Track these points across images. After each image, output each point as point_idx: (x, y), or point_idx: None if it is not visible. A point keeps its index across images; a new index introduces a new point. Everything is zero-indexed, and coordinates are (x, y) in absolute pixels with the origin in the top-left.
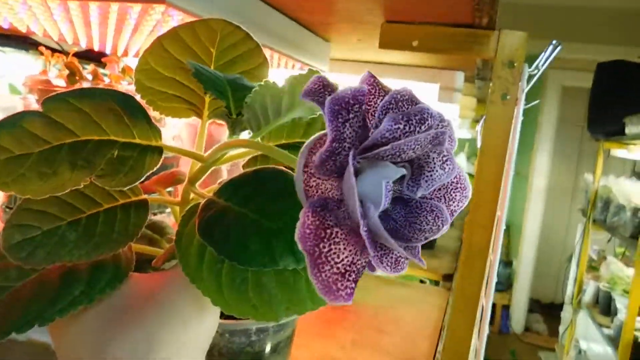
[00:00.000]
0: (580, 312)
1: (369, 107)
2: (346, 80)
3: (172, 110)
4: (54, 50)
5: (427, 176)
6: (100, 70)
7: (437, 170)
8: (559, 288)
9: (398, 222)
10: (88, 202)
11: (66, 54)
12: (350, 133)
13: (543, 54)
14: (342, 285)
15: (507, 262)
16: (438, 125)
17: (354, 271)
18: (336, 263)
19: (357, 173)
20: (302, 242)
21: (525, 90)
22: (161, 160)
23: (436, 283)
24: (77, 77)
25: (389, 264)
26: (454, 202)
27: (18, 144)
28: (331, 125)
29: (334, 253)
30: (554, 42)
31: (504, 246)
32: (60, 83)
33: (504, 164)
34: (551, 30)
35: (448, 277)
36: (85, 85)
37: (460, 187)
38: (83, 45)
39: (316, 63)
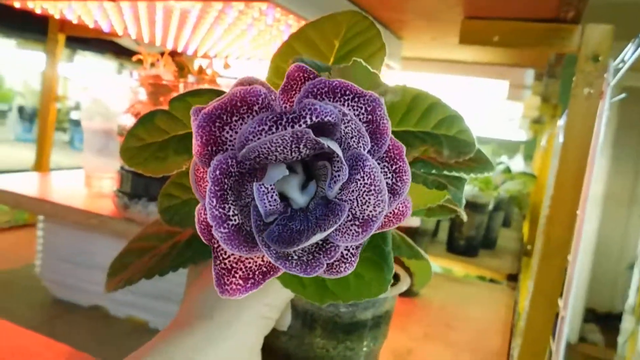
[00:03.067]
0: None
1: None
2: (419, 78)
3: None
4: (130, 52)
5: (334, 176)
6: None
7: (339, 171)
8: (616, 297)
9: (310, 222)
10: None
11: (161, 54)
12: (231, 135)
13: (630, 44)
14: (227, 280)
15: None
16: (329, 120)
17: (241, 269)
18: (224, 259)
19: (262, 173)
20: (202, 236)
21: (612, 84)
22: None
23: (491, 282)
24: (185, 72)
25: (298, 265)
26: (368, 207)
27: (148, 134)
28: (197, 134)
29: (222, 250)
30: None
31: None
32: (169, 77)
33: (587, 159)
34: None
35: (512, 277)
36: (191, 79)
37: (374, 191)
38: (170, 47)
39: (389, 60)
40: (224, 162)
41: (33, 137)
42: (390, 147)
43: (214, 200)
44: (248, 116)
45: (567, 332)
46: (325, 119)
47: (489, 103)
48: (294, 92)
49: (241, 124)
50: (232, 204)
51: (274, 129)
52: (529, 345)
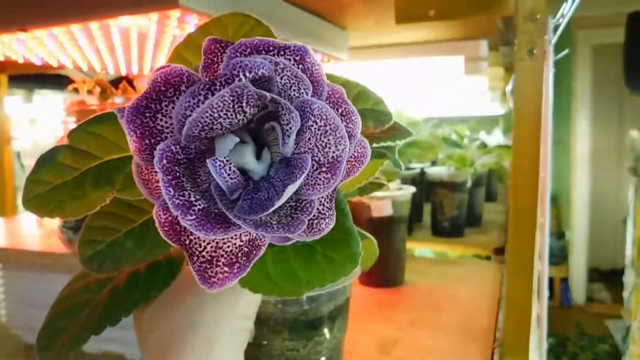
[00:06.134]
0: None
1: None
2: (366, 68)
3: None
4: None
5: (286, 130)
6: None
7: (289, 122)
8: (617, 253)
9: (276, 187)
10: (138, 212)
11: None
12: (166, 122)
13: (565, 2)
14: (212, 272)
15: (559, 234)
16: (263, 73)
17: (222, 255)
18: (201, 252)
19: (211, 153)
20: (169, 239)
21: (553, 42)
22: None
23: (487, 259)
24: (107, 93)
25: (280, 228)
26: (330, 148)
27: (55, 175)
28: (129, 130)
29: (196, 243)
30: None
31: (555, 217)
32: (94, 102)
33: (540, 120)
34: None
35: (499, 251)
36: (118, 100)
37: (331, 129)
38: (111, 71)
39: (335, 52)
40: (169, 150)
41: None
42: (330, 92)
43: (171, 189)
44: (177, 97)
45: (574, 295)
46: (259, 73)
47: (448, 81)
48: (215, 65)
49: (173, 108)
50: (191, 191)
51: (209, 96)
52: (513, 314)
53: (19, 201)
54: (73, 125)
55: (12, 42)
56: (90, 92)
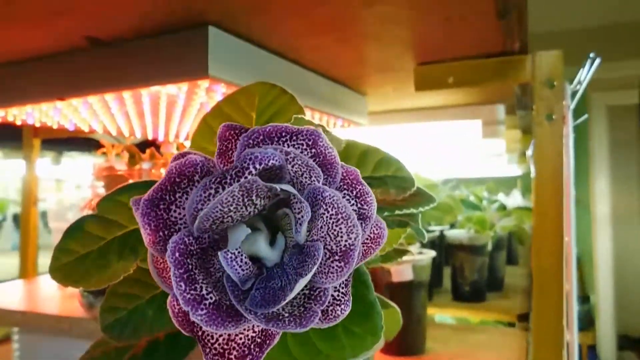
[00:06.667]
0: None
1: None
2: (384, 132)
3: None
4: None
5: (297, 218)
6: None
7: (300, 211)
8: None
9: (289, 276)
10: None
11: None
12: (179, 213)
13: (582, 69)
14: None
15: (583, 298)
16: (274, 164)
17: (234, 348)
18: (212, 344)
19: (225, 241)
20: (182, 329)
21: (572, 107)
22: None
23: (510, 325)
24: (136, 159)
25: (291, 321)
26: (342, 237)
27: (82, 245)
28: (143, 223)
29: (208, 335)
30: (591, 55)
31: (578, 280)
32: (122, 167)
33: (562, 184)
34: (585, 53)
35: (523, 317)
36: (145, 165)
37: (343, 218)
38: (138, 136)
39: (355, 118)
40: (181, 242)
41: None
42: (345, 174)
43: (182, 284)
44: (191, 189)
45: None
46: (270, 164)
47: (465, 143)
48: (230, 151)
49: (186, 199)
50: (203, 283)
51: (220, 190)
52: None
53: (40, 261)
54: (101, 189)
55: (50, 110)
56: (118, 155)
